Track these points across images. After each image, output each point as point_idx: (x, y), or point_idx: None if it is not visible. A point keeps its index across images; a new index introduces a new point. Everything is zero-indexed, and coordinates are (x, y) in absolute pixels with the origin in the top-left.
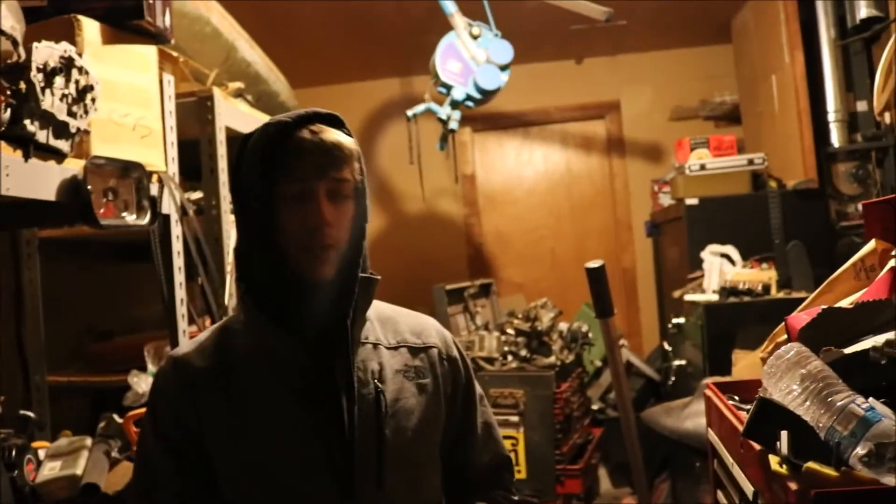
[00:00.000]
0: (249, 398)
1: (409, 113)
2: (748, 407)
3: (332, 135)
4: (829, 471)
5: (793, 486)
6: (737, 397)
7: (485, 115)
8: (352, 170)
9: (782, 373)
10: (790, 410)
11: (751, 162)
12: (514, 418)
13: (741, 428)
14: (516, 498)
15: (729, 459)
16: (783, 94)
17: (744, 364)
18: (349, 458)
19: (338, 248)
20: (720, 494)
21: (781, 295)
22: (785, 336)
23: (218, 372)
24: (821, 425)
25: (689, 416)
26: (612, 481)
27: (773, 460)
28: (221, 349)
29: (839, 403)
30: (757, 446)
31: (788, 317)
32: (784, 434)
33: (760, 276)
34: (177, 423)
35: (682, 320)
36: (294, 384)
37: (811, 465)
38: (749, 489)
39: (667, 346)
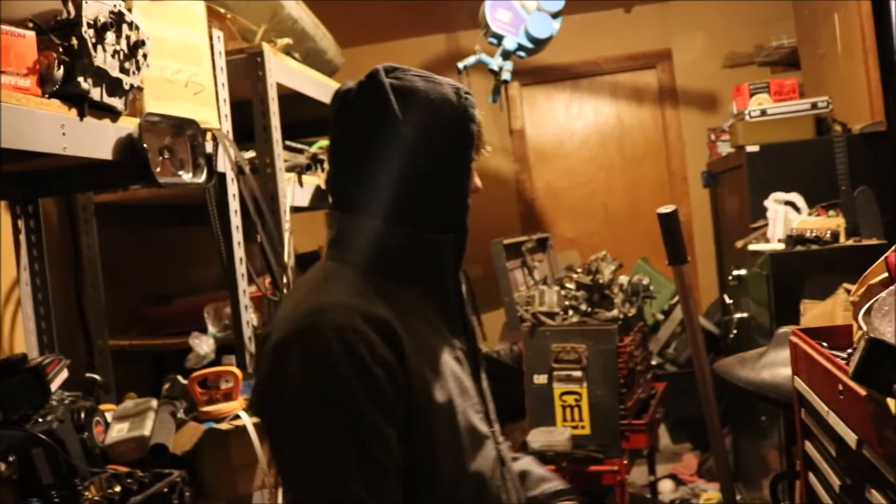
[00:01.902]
0: (426, 340)
1: (461, 65)
2: (841, 353)
3: None
4: None
5: None
6: (825, 343)
7: (532, 69)
8: None
9: None
10: None
11: (814, 106)
12: (577, 373)
13: (839, 374)
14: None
15: (824, 408)
16: (847, 33)
17: (813, 314)
18: (481, 391)
19: None
20: (809, 445)
21: (850, 242)
22: (883, 275)
23: (399, 318)
24: None
25: (766, 367)
26: (672, 437)
27: (892, 403)
28: (377, 294)
29: None
30: (863, 391)
31: (889, 254)
32: None
33: (828, 223)
34: (392, 384)
35: (743, 272)
36: (449, 321)
37: None
38: (852, 437)
39: (727, 299)
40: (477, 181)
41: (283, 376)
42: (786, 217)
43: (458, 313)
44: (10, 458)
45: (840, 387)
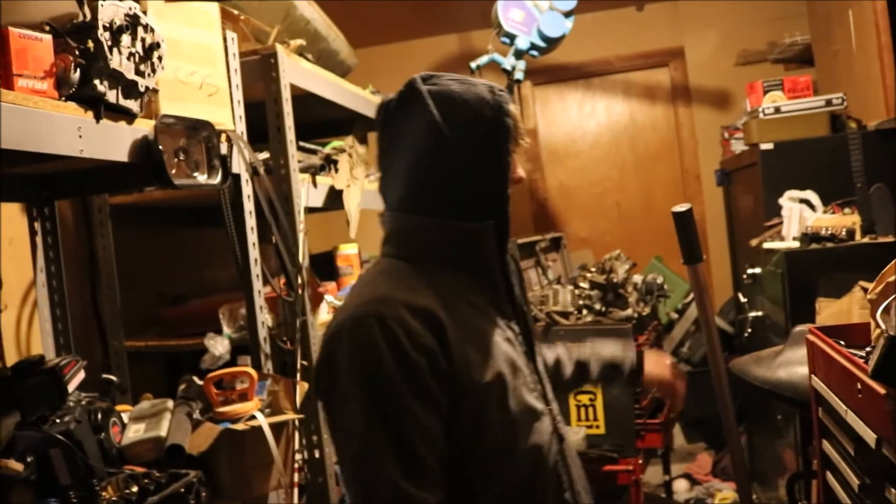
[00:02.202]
0: (472, 322)
1: (473, 65)
2: (859, 352)
3: None
4: None
5: None
6: (842, 342)
7: (545, 68)
8: None
9: None
10: None
11: (829, 102)
12: None
13: (858, 372)
14: None
15: (842, 406)
16: (861, 30)
17: (829, 312)
18: (537, 371)
19: None
20: (826, 444)
21: (866, 240)
22: None
23: (444, 305)
24: None
25: (782, 365)
26: (686, 436)
27: None
28: (424, 284)
29: None
30: (882, 389)
31: None
32: None
33: (843, 220)
34: (433, 370)
35: (757, 270)
36: (499, 305)
37: None
38: (871, 436)
39: (742, 298)
40: (520, 171)
41: (334, 362)
42: (801, 215)
43: (507, 297)
44: (29, 459)
45: (859, 385)
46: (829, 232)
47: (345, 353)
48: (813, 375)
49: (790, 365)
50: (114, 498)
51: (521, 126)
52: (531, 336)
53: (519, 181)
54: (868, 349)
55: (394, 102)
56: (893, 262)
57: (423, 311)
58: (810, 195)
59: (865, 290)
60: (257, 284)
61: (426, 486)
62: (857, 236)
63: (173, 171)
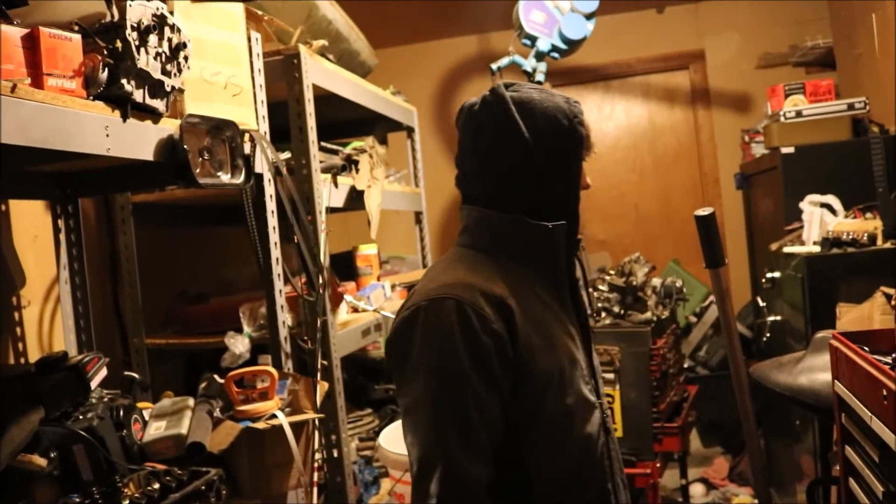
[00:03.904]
0: (537, 313)
1: (494, 66)
2: (884, 358)
3: None
4: None
5: None
6: (866, 348)
7: (564, 70)
8: None
9: None
10: None
11: (851, 107)
12: (610, 375)
13: (884, 378)
14: None
15: (866, 413)
16: (884, 33)
17: (850, 317)
18: (592, 366)
19: None
20: (849, 451)
21: (888, 245)
22: None
23: (514, 295)
24: None
25: (803, 371)
26: (702, 440)
27: None
28: (496, 273)
29: None
30: None
31: None
32: None
33: (865, 225)
34: (500, 354)
35: (777, 274)
36: (562, 300)
37: None
38: (895, 441)
39: (761, 302)
40: (588, 179)
41: (409, 338)
42: (821, 219)
43: (570, 294)
44: (52, 455)
45: (884, 392)
46: (851, 237)
47: (420, 331)
48: (836, 381)
49: (812, 371)
50: (136, 495)
51: (591, 136)
52: (589, 332)
53: (587, 187)
54: (894, 355)
55: (476, 105)
56: None
57: (496, 298)
58: (831, 199)
59: (887, 295)
60: (278, 284)
61: (479, 459)
62: (879, 241)
63: (197, 171)
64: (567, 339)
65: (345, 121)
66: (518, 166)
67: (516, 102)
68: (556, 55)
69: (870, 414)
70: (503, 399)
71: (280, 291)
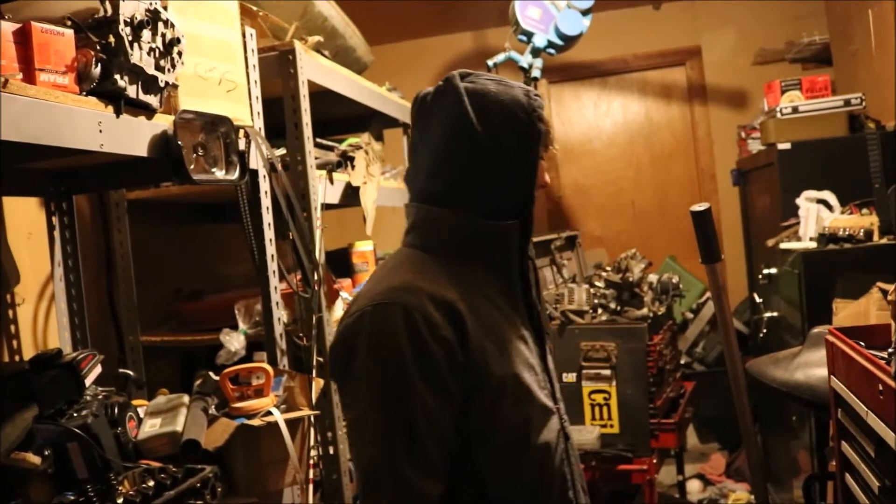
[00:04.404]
0: (489, 318)
1: (490, 62)
2: (880, 353)
3: None
4: None
5: None
6: (862, 343)
7: (561, 67)
8: None
9: None
10: None
11: (847, 103)
12: (606, 372)
13: (880, 373)
14: None
15: (863, 408)
16: (881, 29)
17: (846, 313)
18: (547, 370)
19: None
20: (845, 446)
21: (884, 241)
22: None
23: (465, 299)
24: None
25: (800, 367)
26: (699, 436)
27: None
28: (446, 276)
29: None
30: None
31: None
32: None
33: (861, 221)
34: (449, 362)
35: (773, 270)
36: (514, 303)
37: None
38: (892, 437)
39: (757, 298)
40: (546, 177)
41: (352, 347)
42: (818, 215)
43: (523, 296)
44: (46, 452)
45: (880, 387)
46: (847, 232)
47: (364, 339)
48: (832, 377)
49: (808, 367)
50: (130, 492)
51: (552, 132)
52: (543, 335)
53: (544, 186)
54: (890, 350)
55: (430, 95)
56: None
57: (445, 302)
58: (828, 195)
59: (883, 291)
60: (274, 280)
61: (429, 475)
62: (875, 237)
63: (192, 167)
64: (521, 344)
65: (340, 117)
66: (470, 162)
67: (470, 94)
68: (552, 51)
69: (866, 409)
70: (454, 409)
71: (275, 288)
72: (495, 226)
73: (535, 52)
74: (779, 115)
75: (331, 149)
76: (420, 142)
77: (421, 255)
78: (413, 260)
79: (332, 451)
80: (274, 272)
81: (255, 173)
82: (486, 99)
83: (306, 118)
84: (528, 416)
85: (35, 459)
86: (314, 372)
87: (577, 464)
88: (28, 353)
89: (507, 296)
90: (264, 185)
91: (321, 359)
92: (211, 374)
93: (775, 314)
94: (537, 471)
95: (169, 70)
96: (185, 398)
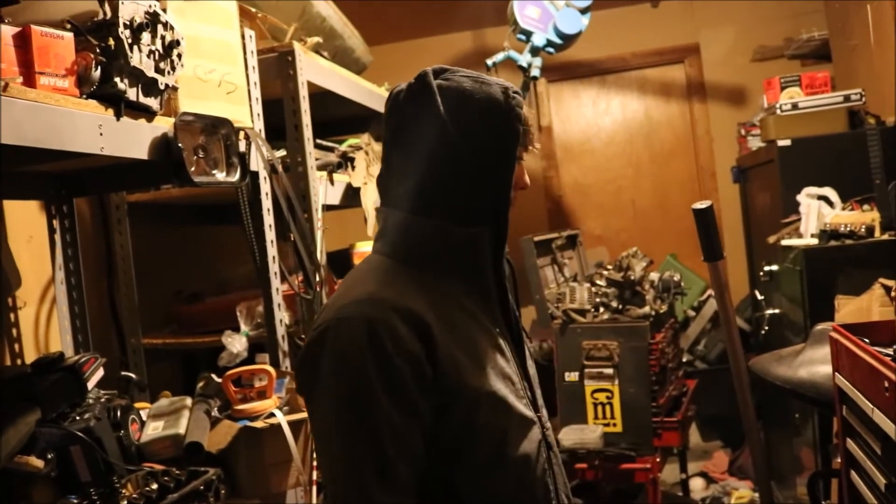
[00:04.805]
0: (463, 328)
1: (489, 62)
2: (885, 350)
3: None
4: None
5: None
6: (866, 339)
7: (559, 65)
8: None
9: None
10: None
11: (847, 98)
12: (608, 370)
13: (885, 370)
14: None
15: (868, 405)
16: (880, 24)
17: (848, 310)
18: (527, 377)
19: None
20: (851, 443)
21: (886, 237)
22: None
23: (434, 309)
24: None
25: (803, 364)
26: (701, 434)
27: None
28: (414, 285)
29: None
30: None
31: None
32: None
33: (863, 217)
34: (417, 377)
35: (775, 267)
36: (490, 310)
37: None
38: None
39: (759, 295)
40: (525, 179)
41: (315, 364)
42: (819, 212)
43: (499, 303)
44: (49, 456)
45: (886, 383)
46: (848, 229)
47: (328, 356)
48: (837, 374)
49: (812, 364)
50: (134, 495)
51: (532, 132)
52: (522, 342)
53: (524, 188)
54: (895, 346)
55: (402, 93)
56: None
57: (412, 315)
58: (828, 192)
59: (886, 287)
60: (275, 282)
61: (399, 495)
62: (877, 233)
63: (192, 169)
64: (496, 353)
65: (340, 118)
66: (442, 164)
67: (444, 91)
68: (551, 50)
69: (871, 406)
70: (424, 426)
71: (277, 290)
72: (465, 232)
73: (535, 51)
74: (778, 111)
75: (331, 150)
76: (391, 142)
77: (389, 264)
78: (380, 269)
79: None
80: (275, 274)
81: (255, 175)
82: (460, 97)
83: (306, 119)
84: (504, 429)
85: (38, 463)
86: None
87: (562, 472)
88: (30, 356)
89: (482, 303)
90: (265, 187)
91: None
92: (213, 376)
93: (777, 311)
94: (517, 484)
95: (169, 72)
96: (188, 400)
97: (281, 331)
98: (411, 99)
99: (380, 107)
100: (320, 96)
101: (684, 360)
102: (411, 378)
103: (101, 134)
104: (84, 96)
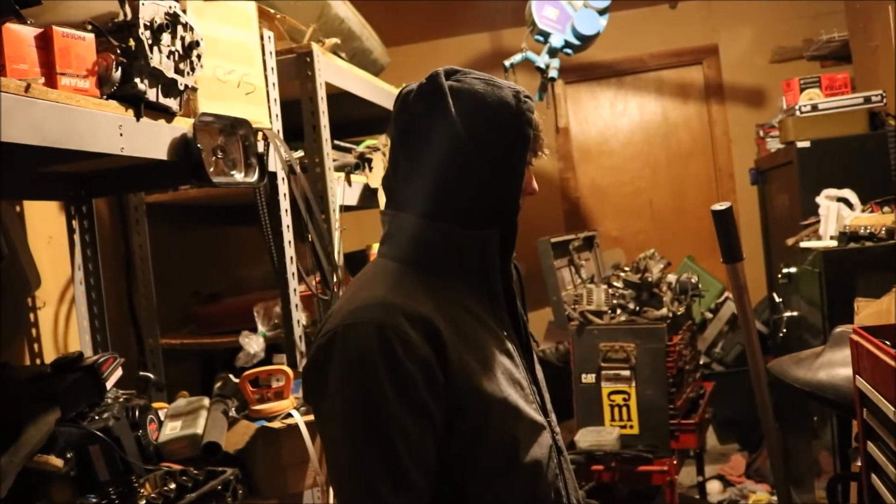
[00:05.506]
0: (472, 332)
1: (507, 63)
2: None
3: None
4: None
5: None
6: (887, 342)
7: (577, 67)
8: None
9: None
10: None
11: (867, 100)
12: (626, 372)
13: None
14: None
15: (889, 408)
16: None
17: (868, 312)
18: (536, 382)
19: None
20: (871, 446)
21: None
22: None
23: (443, 313)
24: None
25: (823, 367)
26: (718, 437)
27: None
28: (422, 289)
29: None
30: None
31: None
32: None
33: (883, 219)
34: (428, 382)
35: (793, 270)
36: (498, 314)
37: None
38: None
39: (777, 298)
40: (534, 184)
41: (325, 370)
42: (838, 214)
43: (507, 307)
44: (69, 455)
45: None
46: (868, 231)
47: (337, 362)
48: (858, 376)
49: (831, 367)
50: (152, 495)
51: (542, 137)
52: (530, 346)
53: (532, 193)
54: None
55: (412, 94)
56: None
57: (422, 319)
58: (848, 193)
59: None
60: (293, 283)
61: (408, 499)
62: None
63: (211, 170)
64: (505, 358)
65: (358, 119)
66: (450, 166)
67: (454, 93)
68: (568, 51)
69: (893, 409)
70: (436, 432)
71: (294, 290)
72: (472, 235)
73: (552, 53)
74: (798, 113)
75: (348, 150)
76: (398, 143)
77: (396, 267)
78: (387, 273)
79: None
80: (293, 274)
81: (273, 175)
82: (471, 100)
83: (324, 120)
84: (515, 434)
85: (57, 462)
86: None
87: (572, 476)
88: (49, 356)
89: (489, 307)
90: (283, 188)
91: None
92: (231, 376)
93: (795, 314)
94: (528, 490)
95: (188, 73)
96: (206, 401)
97: (298, 331)
98: (422, 100)
99: None
100: (338, 97)
101: (701, 362)
102: (423, 383)
103: (121, 134)
104: (104, 97)
